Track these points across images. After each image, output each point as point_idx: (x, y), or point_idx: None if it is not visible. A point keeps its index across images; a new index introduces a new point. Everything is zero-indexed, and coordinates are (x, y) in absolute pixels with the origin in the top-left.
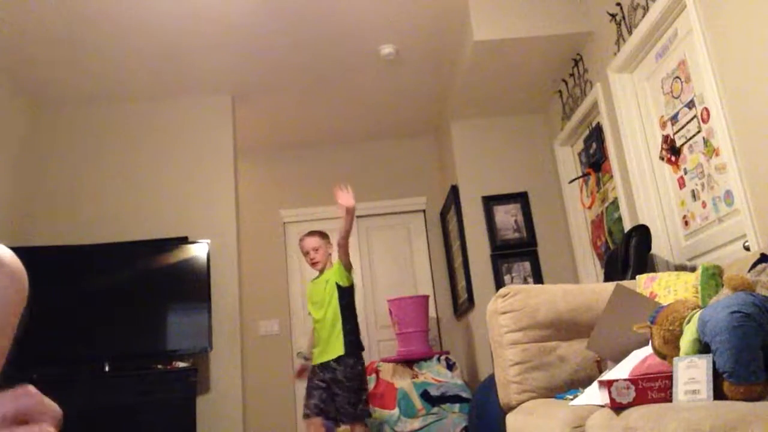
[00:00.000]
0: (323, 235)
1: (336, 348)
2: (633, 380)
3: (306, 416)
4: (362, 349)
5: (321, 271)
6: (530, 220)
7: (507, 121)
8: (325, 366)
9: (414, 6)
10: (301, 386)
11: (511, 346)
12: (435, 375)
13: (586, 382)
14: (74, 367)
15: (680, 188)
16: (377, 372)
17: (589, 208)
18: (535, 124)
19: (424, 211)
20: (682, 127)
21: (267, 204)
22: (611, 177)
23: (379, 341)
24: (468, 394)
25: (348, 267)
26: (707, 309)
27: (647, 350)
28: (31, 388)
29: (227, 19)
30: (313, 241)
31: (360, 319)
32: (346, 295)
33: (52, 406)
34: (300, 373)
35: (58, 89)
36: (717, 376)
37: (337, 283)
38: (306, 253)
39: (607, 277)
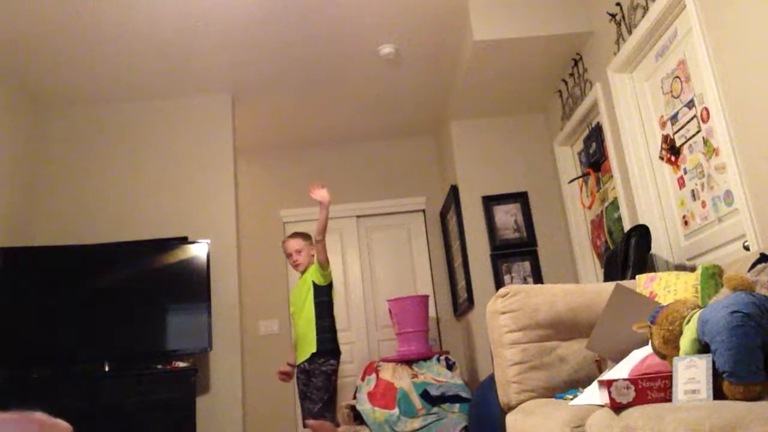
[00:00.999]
0: (305, 236)
1: (309, 345)
2: (633, 380)
3: (304, 425)
4: (337, 349)
5: (303, 273)
6: (530, 220)
7: (507, 121)
8: (302, 369)
9: (414, 6)
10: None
11: (511, 346)
12: (435, 375)
13: (586, 382)
14: (74, 367)
15: (680, 188)
16: (377, 372)
17: (589, 208)
18: (535, 124)
19: (424, 211)
20: (682, 127)
21: (267, 204)
22: (611, 177)
23: (379, 341)
24: (468, 394)
25: (324, 265)
26: (707, 309)
27: (647, 350)
28: (37, 415)
29: (227, 19)
30: (295, 243)
31: (360, 319)
32: (322, 293)
33: (58, 428)
34: (281, 374)
35: (59, 89)
36: (717, 376)
37: (313, 282)
38: (288, 255)
39: (607, 277)
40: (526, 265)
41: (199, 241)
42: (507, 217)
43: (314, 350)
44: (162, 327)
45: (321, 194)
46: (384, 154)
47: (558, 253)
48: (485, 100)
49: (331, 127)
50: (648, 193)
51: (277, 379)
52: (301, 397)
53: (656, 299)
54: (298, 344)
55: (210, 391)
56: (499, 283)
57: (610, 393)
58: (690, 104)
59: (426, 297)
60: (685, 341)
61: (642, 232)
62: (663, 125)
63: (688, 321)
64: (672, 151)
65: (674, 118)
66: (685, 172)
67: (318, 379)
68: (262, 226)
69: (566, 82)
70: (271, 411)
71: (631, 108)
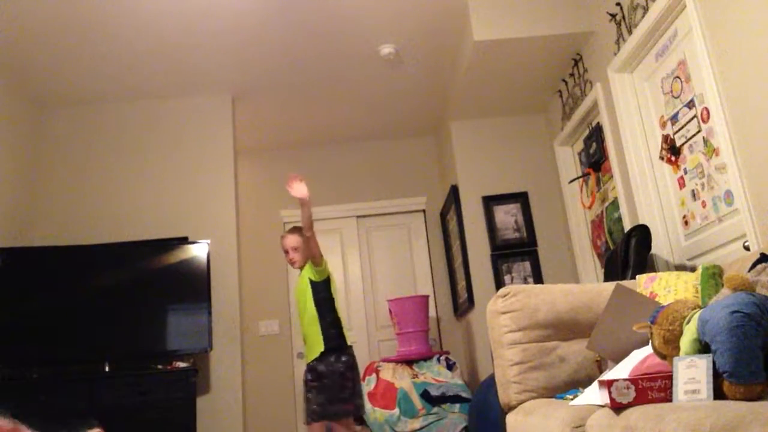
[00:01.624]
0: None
1: (317, 345)
2: (633, 380)
3: (306, 422)
4: (345, 344)
5: (300, 270)
6: (530, 220)
7: (507, 121)
8: (310, 367)
9: (414, 6)
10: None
11: (511, 346)
12: (435, 375)
13: (586, 382)
14: (74, 367)
15: (680, 188)
16: (377, 372)
17: (589, 208)
18: (535, 124)
19: (424, 211)
20: (682, 127)
21: (267, 204)
22: (611, 177)
23: (379, 341)
24: (468, 394)
25: (317, 261)
26: (707, 309)
27: (647, 350)
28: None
29: (227, 19)
30: (292, 240)
31: (360, 319)
32: (320, 290)
33: None
34: None
35: (59, 89)
36: (717, 376)
37: (309, 279)
38: (285, 252)
39: (607, 277)
40: (527, 265)
41: (200, 241)
42: (507, 217)
43: (322, 349)
44: (162, 327)
45: (300, 190)
46: (384, 154)
47: (558, 253)
48: (485, 100)
49: (331, 127)
50: (648, 193)
51: (276, 380)
52: (304, 398)
53: (656, 299)
54: (305, 342)
55: (210, 391)
56: (499, 283)
57: (610, 393)
58: (690, 104)
59: (426, 297)
60: (686, 341)
61: (642, 232)
62: (663, 125)
63: (689, 321)
64: (672, 151)
65: (674, 118)
66: (685, 172)
67: (330, 380)
68: (262, 226)
69: (566, 82)
70: (271, 411)
71: (631, 108)
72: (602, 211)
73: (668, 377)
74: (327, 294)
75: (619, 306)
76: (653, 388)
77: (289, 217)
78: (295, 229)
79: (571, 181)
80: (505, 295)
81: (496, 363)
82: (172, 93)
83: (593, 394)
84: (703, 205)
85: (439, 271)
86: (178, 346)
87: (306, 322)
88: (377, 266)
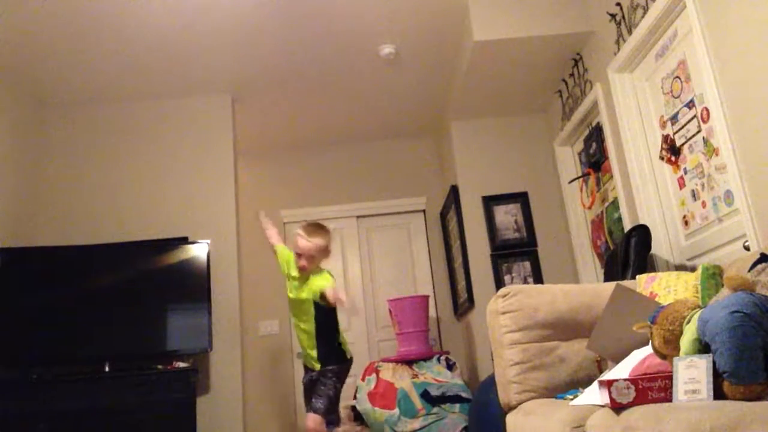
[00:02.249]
0: (325, 236)
1: (315, 361)
2: (633, 380)
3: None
4: (346, 357)
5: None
6: (530, 220)
7: (507, 121)
8: (309, 377)
9: (414, 6)
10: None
11: (511, 346)
12: (435, 375)
13: (586, 382)
14: (74, 367)
15: (680, 188)
16: (377, 372)
17: (589, 208)
18: (535, 124)
19: (424, 211)
20: (682, 127)
21: (267, 204)
22: (611, 177)
23: (379, 341)
24: (468, 394)
25: (325, 300)
26: (707, 309)
27: (647, 350)
28: None
29: (227, 19)
30: (309, 248)
31: (360, 319)
32: (326, 311)
33: None
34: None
35: (59, 89)
36: (717, 376)
37: (314, 301)
38: (297, 255)
39: (607, 277)
40: (526, 265)
41: (200, 241)
42: (507, 217)
43: (318, 368)
44: (162, 327)
45: (342, 297)
46: (384, 154)
47: (558, 253)
48: (485, 100)
49: (331, 127)
50: (648, 193)
51: (276, 380)
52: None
53: (656, 299)
54: (301, 346)
55: (210, 391)
56: (499, 283)
57: (610, 393)
58: (690, 104)
59: (426, 297)
60: (686, 341)
61: (642, 232)
62: (663, 125)
63: (689, 321)
64: (672, 151)
65: (674, 118)
66: (685, 172)
67: (328, 379)
68: (262, 227)
69: (566, 82)
70: (271, 411)
71: (631, 108)
72: (602, 211)
73: (668, 377)
74: (332, 315)
75: (619, 306)
76: (653, 388)
77: (289, 217)
78: (317, 231)
79: (571, 181)
80: (505, 295)
81: (496, 363)
82: (172, 93)
83: (593, 394)
84: (703, 205)
85: (439, 271)
86: (178, 346)
87: (306, 335)
88: (377, 266)
